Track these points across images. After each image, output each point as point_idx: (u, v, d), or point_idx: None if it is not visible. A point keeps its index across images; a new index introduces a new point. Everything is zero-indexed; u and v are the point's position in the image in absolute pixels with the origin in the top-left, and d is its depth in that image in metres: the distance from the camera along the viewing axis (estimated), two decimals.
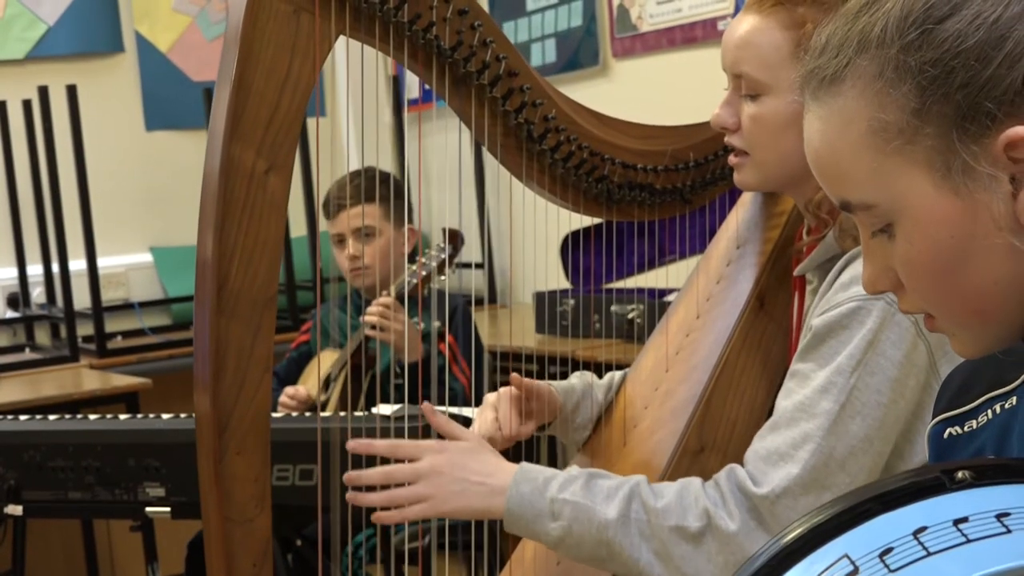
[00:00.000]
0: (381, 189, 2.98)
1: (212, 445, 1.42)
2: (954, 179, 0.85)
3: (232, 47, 1.41)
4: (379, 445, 1.56)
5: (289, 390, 2.95)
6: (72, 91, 3.60)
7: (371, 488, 1.55)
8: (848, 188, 0.90)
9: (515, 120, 1.63)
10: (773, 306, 1.73)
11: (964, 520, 0.72)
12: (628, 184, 1.75)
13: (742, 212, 1.86)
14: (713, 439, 1.66)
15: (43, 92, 3.62)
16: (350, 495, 1.54)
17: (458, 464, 1.54)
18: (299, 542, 2.49)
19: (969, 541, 0.71)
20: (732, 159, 1.63)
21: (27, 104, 3.78)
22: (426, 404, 1.60)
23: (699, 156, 1.80)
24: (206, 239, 1.41)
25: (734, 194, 1.89)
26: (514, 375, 1.74)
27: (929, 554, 0.70)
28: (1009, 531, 0.71)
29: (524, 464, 1.55)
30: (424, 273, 2.75)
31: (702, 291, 1.83)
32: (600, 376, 1.90)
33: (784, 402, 1.49)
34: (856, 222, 0.94)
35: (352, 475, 1.55)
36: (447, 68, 1.57)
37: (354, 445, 1.55)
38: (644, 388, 1.79)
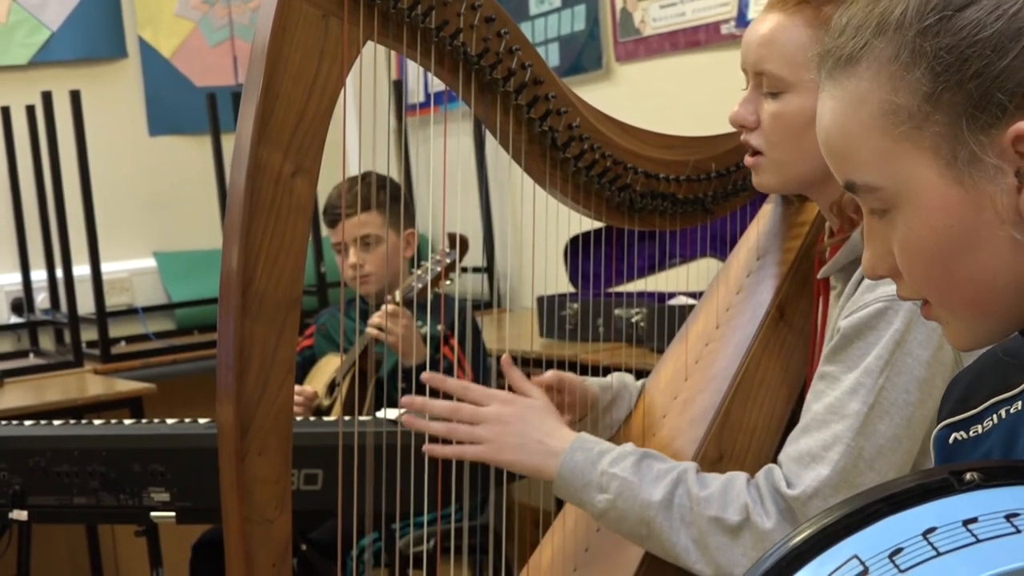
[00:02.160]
0: (380, 195, 2.97)
1: (234, 446, 1.42)
2: (960, 168, 0.85)
3: (261, 50, 1.41)
4: (451, 383, 1.61)
5: (295, 388, 2.94)
6: (75, 96, 3.60)
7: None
8: (855, 169, 0.91)
9: (539, 128, 1.64)
10: (793, 316, 1.74)
11: (973, 520, 0.72)
12: (650, 193, 1.76)
13: (762, 223, 1.86)
14: (732, 448, 1.67)
15: (47, 97, 3.62)
16: (407, 418, 1.58)
17: (522, 418, 1.59)
18: (304, 546, 2.49)
19: (979, 541, 0.71)
20: (748, 159, 1.63)
21: (31, 110, 3.78)
22: (505, 356, 1.66)
23: (721, 167, 1.81)
24: (232, 240, 1.41)
25: (754, 205, 1.90)
26: (549, 373, 1.76)
27: (939, 554, 0.71)
28: (1019, 531, 0.71)
29: (583, 434, 1.59)
30: (429, 278, 2.75)
31: (722, 301, 1.83)
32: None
33: (815, 405, 1.51)
34: (861, 206, 0.94)
35: (416, 400, 1.58)
36: (473, 75, 1.57)
37: (427, 377, 1.60)
38: (663, 397, 1.80)
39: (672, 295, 3.11)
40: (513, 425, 1.58)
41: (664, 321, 2.93)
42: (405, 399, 1.58)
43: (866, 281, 1.49)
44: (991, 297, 0.88)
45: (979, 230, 0.86)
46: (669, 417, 1.75)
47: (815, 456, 1.47)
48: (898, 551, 0.72)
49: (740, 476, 1.53)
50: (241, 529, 1.44)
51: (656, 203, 1.77)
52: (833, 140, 0.93)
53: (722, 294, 1.84)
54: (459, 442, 1.60)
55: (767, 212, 1.87)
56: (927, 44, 0.85)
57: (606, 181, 1.72)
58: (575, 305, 3.35)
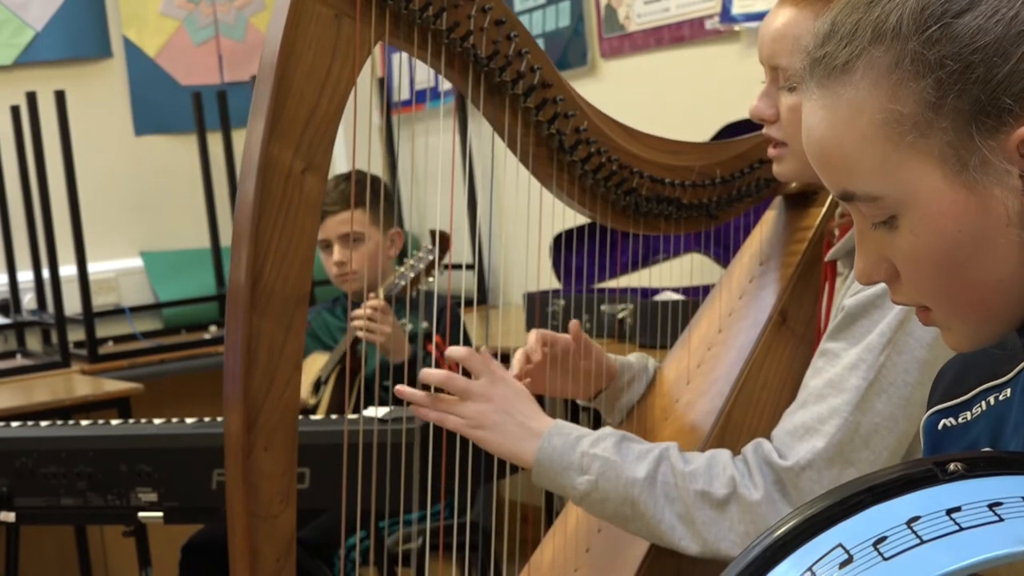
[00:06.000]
0: (366, 193, 2.97)
1: (241, 441, 1.43)
2: (970, 174, 0.85)
3: (273, 48, 1.42)
4: (456, 351, 1.61)
5: None
6: (60, 97, 3.59)
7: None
8: (853, 179, 0.90)
9: (547, 131, 1.65)
10: (795, 321, 1.75)
11: (957, 509, 0.73)
12: (656, 198, 1.77)
13: (765, 229, 1.87)
14: (734, 451, 1.67)
15: (31, 98, 3.61)
16: (399, 388, 1.58)
17: (508, 399, 1.58)
18: None
19: (962, 529, 0.71)
20: (771, 151, 1.65)
21: (15, 110, 3.77)
22: (483, 349, 1.65)
23: (726, 173, 1.82)
24: (242, 236, 1.42)
25: (757, 210, 1.91)
26: (574, 321, 1.76)
27: (923, 542, 0.71)
28: (1001, 519, 0.72)
29: (559, 420, 1.58)
30: (412, 275, 2.75)
31: (724, 306, 1.84)
32: None
33: (813, 380, 1.51)
34: (852, 212, 0.93)
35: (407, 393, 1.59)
36: (482, 77, 1.58)
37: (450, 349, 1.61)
38: (665, 400, 1.81)
39: (658, 291, 3.12)
40: (498, 404, 1.57)
41: (650, 317, 2.93)
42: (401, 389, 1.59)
43: None
44: (996, 299, 0.89)
45: (986, 233, 0.86)
46: (671, 420, 1.76)
47: (810, 428, 1.47)
48: (882, 539, 0.72)
49: (724, 452, 1.54)
50: (246, 524, 1.45)
51: (661, 208, 1.78)
52: (828, 150, 0.91)
53: (725, 299, 1.84)
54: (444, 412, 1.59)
55: (770, 218, 1.88)
56: (930, 53, 0.85)
57: (612, 185, 1.73)
58: (562, 301, 3.35)
